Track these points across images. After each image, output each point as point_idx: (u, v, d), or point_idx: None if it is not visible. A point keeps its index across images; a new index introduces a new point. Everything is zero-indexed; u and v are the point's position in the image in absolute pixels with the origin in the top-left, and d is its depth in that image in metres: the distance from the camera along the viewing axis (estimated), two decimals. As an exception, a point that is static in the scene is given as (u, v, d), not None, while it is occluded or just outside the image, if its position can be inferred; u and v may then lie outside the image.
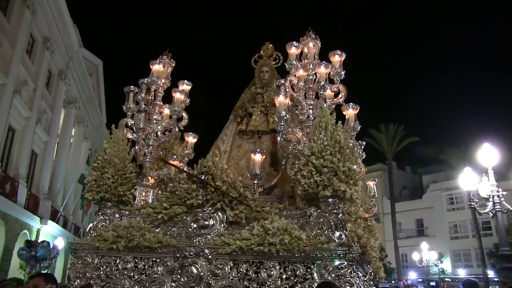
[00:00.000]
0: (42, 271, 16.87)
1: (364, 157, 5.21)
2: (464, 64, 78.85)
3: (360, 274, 4.10)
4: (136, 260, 4.30)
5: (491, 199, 9.46)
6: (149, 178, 5.23)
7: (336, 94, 5.01)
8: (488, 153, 9.84)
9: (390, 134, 39.20)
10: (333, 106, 4.93)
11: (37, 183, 19.68)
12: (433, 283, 36.47)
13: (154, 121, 5.39)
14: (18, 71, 16.47)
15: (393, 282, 35.63)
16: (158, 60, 5.57)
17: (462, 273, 38.47)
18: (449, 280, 37.61)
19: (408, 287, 33.51)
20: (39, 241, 16.32)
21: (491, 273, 32.21)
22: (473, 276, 31.14)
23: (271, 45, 6.86)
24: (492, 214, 9.61)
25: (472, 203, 10.25)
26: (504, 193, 9.57)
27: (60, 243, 18.25)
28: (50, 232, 19.99)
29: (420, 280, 38.37)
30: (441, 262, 36.97)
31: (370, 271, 4.95)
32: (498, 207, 9.29)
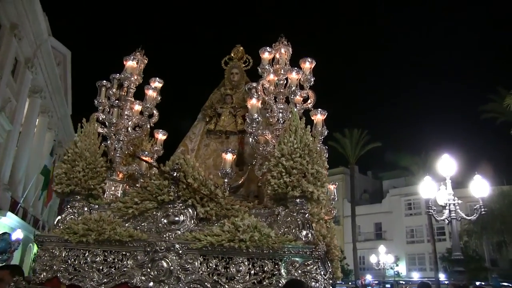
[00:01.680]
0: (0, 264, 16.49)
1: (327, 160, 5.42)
2: (428, 78, 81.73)
3: (323, 272, 4.30)
4: (106, 254, 4.34)
5: (447, 207, 9.99)
6: (119, 173, 5.29)
7: (305, 100, 5.20)
8: (446, 164, 10.38)
9: (354, 139, 40.03)
10: (302, 111, 5.11)
11: (-3, 173, 19.17)
12: (388, 286, 37.50)
13: (126, 117, 5.45)
14: (-17, 57, 16.04)
15: (350, 283, 36.39)
16: (131, 57, 5.62)
17: (416, 276, 39.75)
18: (403, 282, 38.75)
19: (365, 286, 34.33)
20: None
21: (442, 277, 33.44)
22: (426, 279, 32.28)
23: (241, 48, 6.99)
24: (447, 221, 10.15)
25: (430, 210, 10.78)
26: (460, 201, 10.12)
27: (18, 236, 17.82)
28: (8, 224, 19.46)
29: (376, 282, 39.33)
30: (397, 265, 38.06)
31: (330, 270, 5.18)
32: (454, 215, 9.86)
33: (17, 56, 20.16)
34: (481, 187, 10.54)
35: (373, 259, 35.33)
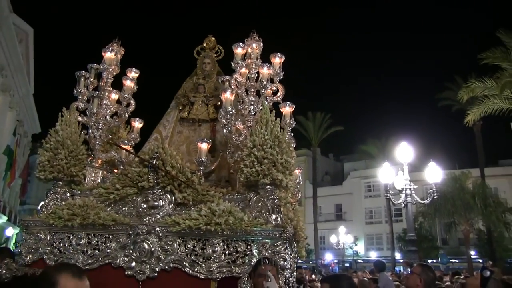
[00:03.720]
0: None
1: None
2: (389, 64, 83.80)
3: (289, 252, 4.75)
4: (90, 237, 4.62)
5: (404, 192, 10.77)
6: (98, 159, 5.55)
7: (275, 93, 5.57)
8: (404, 151, 11.15)
9: (317, 122, 40.81)
10: (272, 104, 5.49)
11: (-42, 154, 18.75)
12: (347, 264, 38.88)
13: (104, 106, 5.70)
14: None
15: (310, 262, 37.53)
16: (110, 48, 5.84)
17: (373, 255, 41.30)
18: (361, 261, 40.27)
19: (325, 266, 35.48)
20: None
21: (398, 255, 34.98)
22: (383, 257, 33.71)
23: (213, 38, 7.23)
24: (404, 205, 10.95)
25: (388, 194, 11.58)
26: (415, 186, 10.91)
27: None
28: (-32, 206, 19.20)
29: (335, 261, 40.70)
30: (356, 245, 39.48)
31: (295, 249, 5.64)
32: (409, 199, 10.65)
33: (-25, 33, 19.58)
34: (434, 173, 11.40)
35: (333, 239, 36.56)
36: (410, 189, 10.78)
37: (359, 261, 40.24)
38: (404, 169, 11.07)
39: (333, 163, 54.11)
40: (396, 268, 29.23)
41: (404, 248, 31.28)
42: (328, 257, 41.46)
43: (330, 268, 35.56)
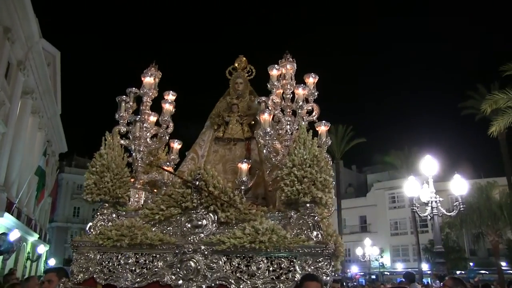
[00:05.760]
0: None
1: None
2: (410, 75, 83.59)
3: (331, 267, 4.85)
4: (137, 256, 4.80)
5: (430, 204, 10.83)
6: (140, 181, 5.76)
7: (310, 112, 5.71)
8: (429, 164, 11.21)
9: (339, 134, 40.72)
10: (307, 123, 5.61)
11: (-7, 175, 19.35)
12: (373, 277, 38.48)
13: (144, 129, 5.92)
14: (-22, 62, 16.20)
15: (336, 275, 37.10)
16: (148, 73, 6.07)
17: (400, 267, 40.84)
18: (388, 273, 39.78)
19: (349, 279, 35.13)
20: (-2, 234, 16.22)
21: (425, 267, 34.53)
22: (409, 269, 33.27)
23: (244, 58, 7.37)
24: (430, 217, 11.01)
25: (414, 208, 11.65)
26: (441, 199, 10.96)
27: (16, 236, 18.08)
28: (4, 224, 19.71)
29: (361, 273, 40.29)
30: (382, 257, 39.06)
31: (332, 264, 5.73)
32: (435, 211, 10.72)
33: (10, 59, 20.30)
34: (460, 185, 11.42)
35: (358, 251, 36.29)
36: (436, 201, 10.83)
37: (386, 273, 39.81)
38: (429, 182, 11.13)
39: (356, 175, 53.87)
40: (423, 279, 28.84)
41: (431, 259, 30.92)
42: (354, 269, 41.07)
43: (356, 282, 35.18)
